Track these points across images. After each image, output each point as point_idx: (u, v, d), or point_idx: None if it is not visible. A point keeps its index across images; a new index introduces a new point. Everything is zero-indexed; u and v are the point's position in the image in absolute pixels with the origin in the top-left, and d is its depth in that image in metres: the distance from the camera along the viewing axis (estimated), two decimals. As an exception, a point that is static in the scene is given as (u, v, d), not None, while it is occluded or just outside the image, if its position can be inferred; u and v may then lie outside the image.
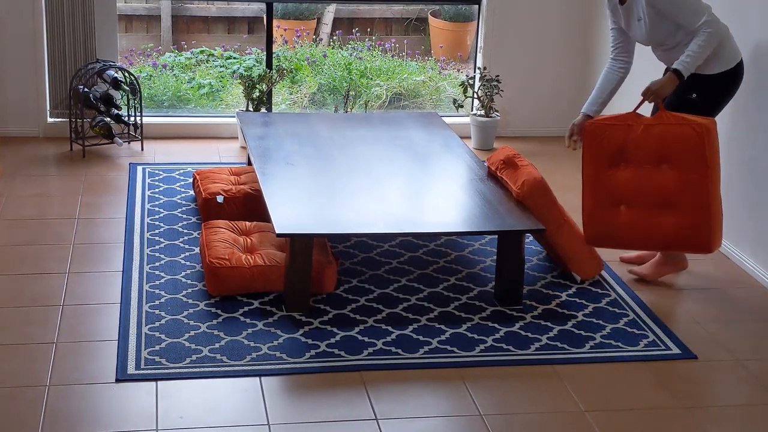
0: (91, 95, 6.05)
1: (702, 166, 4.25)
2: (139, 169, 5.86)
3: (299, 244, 4.11)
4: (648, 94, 4.35)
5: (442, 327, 4.15)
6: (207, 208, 5.00)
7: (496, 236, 4.46)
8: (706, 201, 4.29)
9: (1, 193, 5.40)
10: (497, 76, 6.50)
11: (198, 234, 4.92)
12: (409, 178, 4.93)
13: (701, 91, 4.43)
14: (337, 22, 8.18)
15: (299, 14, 7.99)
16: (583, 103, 4.70)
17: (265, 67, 6.60)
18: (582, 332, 4.17)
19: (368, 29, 8.09)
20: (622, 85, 4.67)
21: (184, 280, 4.44)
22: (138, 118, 6.25)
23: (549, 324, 4.21)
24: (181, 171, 5.85)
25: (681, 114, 4.32)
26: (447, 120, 6.06)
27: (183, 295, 4.29)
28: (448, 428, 3.50)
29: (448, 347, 3.99)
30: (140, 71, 7.19)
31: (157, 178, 5.71)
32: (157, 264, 4.58)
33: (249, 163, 5.54)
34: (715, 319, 4.36)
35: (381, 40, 7.92)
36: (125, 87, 6.10)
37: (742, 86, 4.51)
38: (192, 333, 3.98)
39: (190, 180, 5.66)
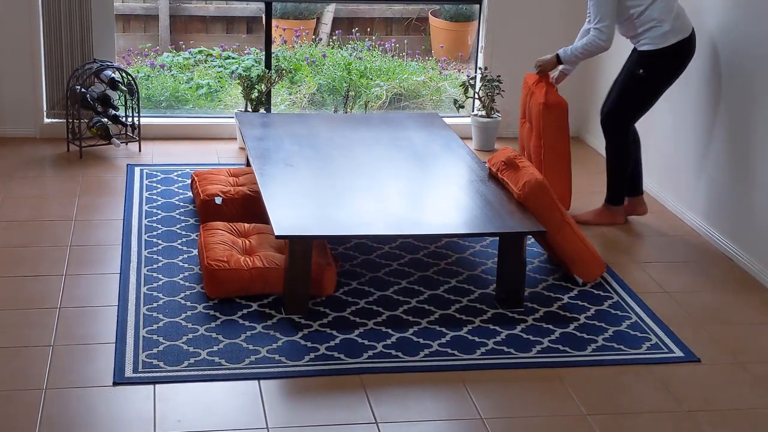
0: (88, 96, 6.05)
1: (538, 136, 5.27)
2: (137, 170, 5.86)
3: (298, 246, 4.11)
4: (535, 65, 5.39)
5: (443, 330, 4.15)
6: (205, 210, 5.00)
7: (497, 238, 4.46)
8: (539, 165, 5.23)
9: (-3, 195, 5.41)
10: (498, 76, 6.50)
11: (196, 236, 4.92)
12: (410, 180, 4.93)
13: (647, 67, 5.04)
14: (336, 22, 8.19)
15: (298, 14, 7.99)
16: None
17: (263, 68, 6.61)
18: (584, 335, 4.17)
19: (368, 29, 8.10)
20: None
21: (182, 282, 4.44)
22: (135, 119, 6.25)
23: (551, 327, 4.22)
24: (179, 172, 5.85)
25: (552, 90, 5.23)
26: (448, 121, 6.06)
27: (181, 298, 4.30)
28: (448, 432, 3.51)
29: (449, 350, 3.99)
30: (138, 71, 7.19)
31: (154, 179, 5.71)
32: (154, 266, 4.58)
33: (248, 164, 5.54)
34: (719, 322, 4.37)
35: (381, 40, 7.93)
36: (123, 87, 6.10)
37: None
38: (190, 336, 3.98)
39: (188, 181, 5.66)
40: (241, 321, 4.12)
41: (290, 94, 7.30)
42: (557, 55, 5.26)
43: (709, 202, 5.25)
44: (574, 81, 6.17)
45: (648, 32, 5.00)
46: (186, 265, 4.61)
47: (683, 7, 5.06)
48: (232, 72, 7.19)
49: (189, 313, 4.17)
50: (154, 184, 5.63)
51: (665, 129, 5.46)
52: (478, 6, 6.79)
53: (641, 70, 5.05)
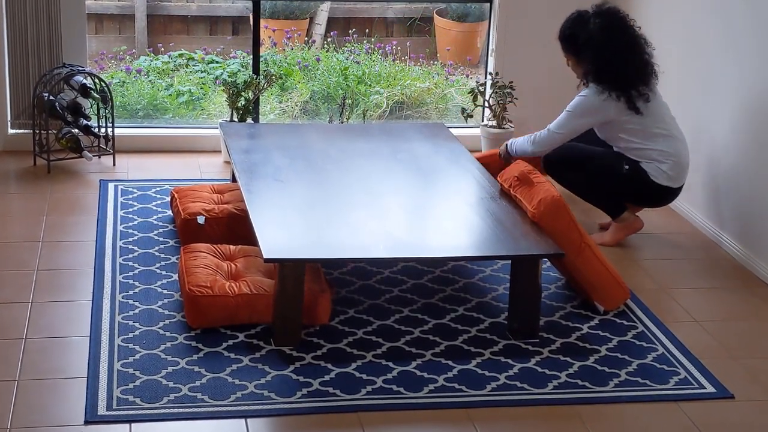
0: (57, 104, 6.08)
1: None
2: (111, 186, 5.89)
3: (289, 271, 4.14)
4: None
5: (449, 363, 4.17)
6: (186, 230, 5.03)
7: (510, 261, 4.49)
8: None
9: (-44, 213, 5.43)
10: (511, 82, 6.53)
11: (176, 259, 4.95)
12: (413, 196, 4.97)
13: (632, 170, 5.23)
14: (331, 22, 8.23)
15: (289, 13, 8.04)
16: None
17: (251, 73, 6.65)
18: (605, 369, 4.19)
19: (366, 30, 8.14)
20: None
21: (160, 310, 4.47)
22: (109, 130, 6.28)
23: (568, 359, 4.24)
24: (158, 188, 5.88)
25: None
26: (454, 131, 6.09)
27: (159, 327, 4.32)
28: (455, 476, 3.52)
29: (456, 385, 4.01)
30: (112, 77, 7.23)
31: (130, 196, 5.75)
32: (130, 292, 4.61)
33: (233, 179, 5.57)
34: (755, 354, 4.39)
35: (381, 42, 7.97)
36: (95, 95, 6.13)
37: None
38: (170, 369, 4.01)
39: (168, 198, 5.69)
40: (226, 353, 4.15)
41: (280, 102, 7.34)
42: (505, 146, 5.52)
43: (746, 222, 5.28)
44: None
45: (647, 163, 5.24)
46: (165, 292, 4.64)
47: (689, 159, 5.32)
48: (217, 78, 7.23)
49: (168, 344, 4.19)
50: (130, 202, 5.66)
51: (701, 146, 5.50)
52: (488, 4, 6.84)
53: (627, 166, 5.26)
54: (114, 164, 6.26)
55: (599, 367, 4.20)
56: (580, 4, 6.66)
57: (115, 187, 5.88)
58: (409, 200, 4.91)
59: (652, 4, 6.25)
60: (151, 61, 7.57)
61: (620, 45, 5.21)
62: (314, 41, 8.11)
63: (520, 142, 5.42)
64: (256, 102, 6.51)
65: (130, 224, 5.35)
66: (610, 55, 5.18)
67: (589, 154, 5.33)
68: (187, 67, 7.55)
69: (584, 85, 5.31)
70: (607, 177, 5.30)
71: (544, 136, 5.32)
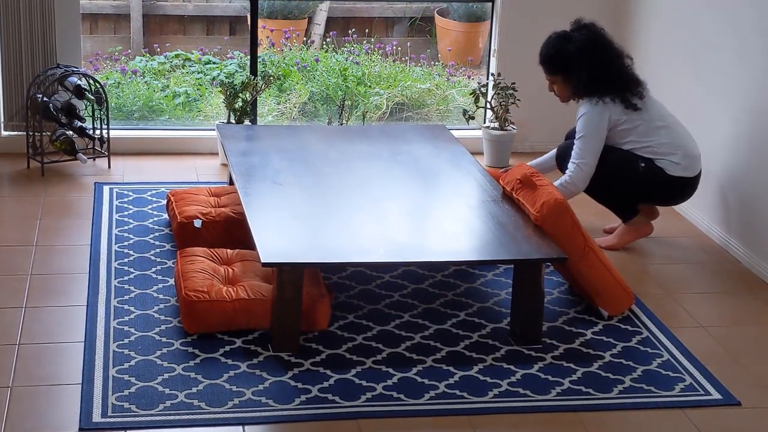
0: (51, 105, 6.09)
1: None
2: (106, 189, 5.90)
3: (288, 275, 4.14)
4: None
5: (451, 369, 4.18)
6: (183, 234, 5.03)
7: (512, 266, 4.49)
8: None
9: (-52, 217, 5.44)
10: (513, 83, 6.54)
11: (172, 263, 4.95)
12: (413, 200, 4.97)
13: (647, 168, 5.23)
14: (330, 22, 8.24)
15: (288, 13, 8.05)
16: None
17: (249, 74, 6.65)
18: (610, 375, 4.20)
19: (366, 30, 8.15)
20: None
21: (156, 315, 4.47)
22: (104, 132, 6.29)
23: (572, 365, 4.25)
24: (154, 191, 5.89)
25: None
26: (456, 133, 6.10)
27: (155, 333, 4.33)
28: (457, 484, 3.53)
29: (457, 392, 4.02)
30: (107, 78, 7.24)
31: (126, 199, 5.75)
32: (126, 297, 4.62)
33: (231, 182, 5.58)
34: (761, 360, 4.39)
35: (381, 43, 7.98)
36: (90, 96, 6.14)
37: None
38: (166, 376, 4.01)
39: (164, 202, 5.69)
40: (223, 359, 4.15)
41: (279, 104, 7.35)
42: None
43: (753, 226, 5.29)
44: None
45: (660, 160, 5.24)
46: (161, 297, 4.64)
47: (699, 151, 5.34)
48: (213, 78, 7.24)
49: (165, 350, 4.20)
50: (125, 205, 5.66)
51: (707, 150, 5.51)
52: (490, 4, 6.84)
53: (642, 164, 5.26)
54: (109, 167, 6.26)
55: (603, 374, 4.20)
56: (584, 7, 6.68)
57: (110, 190, 5.89)
58: (409, 203, 4.92)
59: (657, 8, 6.26)
60: (147, 61, 7.58)
61: (608, 52, 5.30)
62: (313, 41, 8.12)
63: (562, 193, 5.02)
64: (254, 103, 6.51)
65: (126, 228, 5.36)
66: (600, 62, 5.24)
67: (605, 154, 5.31)
68: (183, 68, 7.56)
69: (576, 103, 5.37)
70: (623, 176, 5.30)
71: (576, 172, 5.23)
